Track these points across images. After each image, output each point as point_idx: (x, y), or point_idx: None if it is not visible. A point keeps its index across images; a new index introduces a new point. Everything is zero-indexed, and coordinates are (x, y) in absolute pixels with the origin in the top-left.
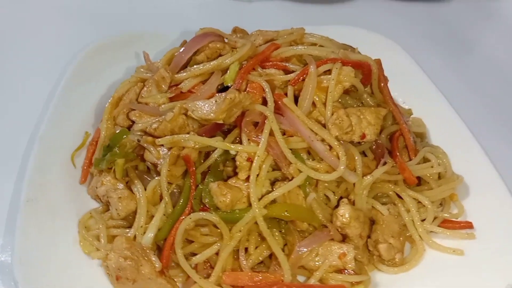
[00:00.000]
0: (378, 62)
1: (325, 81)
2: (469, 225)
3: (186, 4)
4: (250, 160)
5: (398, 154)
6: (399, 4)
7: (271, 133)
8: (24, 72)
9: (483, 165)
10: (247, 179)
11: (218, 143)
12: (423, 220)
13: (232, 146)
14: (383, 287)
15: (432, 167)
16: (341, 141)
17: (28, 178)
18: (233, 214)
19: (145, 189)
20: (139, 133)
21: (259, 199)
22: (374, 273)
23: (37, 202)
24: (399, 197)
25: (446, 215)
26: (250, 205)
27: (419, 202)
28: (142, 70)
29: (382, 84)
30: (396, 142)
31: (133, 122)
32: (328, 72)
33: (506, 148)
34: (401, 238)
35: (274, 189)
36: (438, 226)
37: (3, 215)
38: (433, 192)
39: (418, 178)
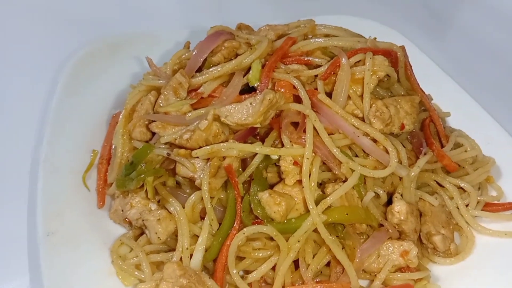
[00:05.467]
0: (403, 48)
1: (358, 73)
2: None
3: (162, 2)
4: (296, 164)
5: (434, 141)
6: None
7: (314, 133)
8: (10, 87)
9: (507, 143)
10: (295, 184)
11: (263, 149)
12: (466, 206)
13: (283, 151)
14: (443, 280)
15: (466, 151)
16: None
17: (42, 210)
18: (290, 224)
19: (183, 207)
20: (165, 146)
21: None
22: (428, 266)
23: (57, 235)
24: (439, 185)
25: (487, 198)
26: (305, 212)
27: (459, 188)
28: (150, 77)
29: (408, 71)
30: (429, 129)
31: (153, 134)
32: (358, 63)
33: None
34: (450, 227)
35: (325, 192)
36: (482, 210)
37: (23, 252)
38: (471, 176)
39: None
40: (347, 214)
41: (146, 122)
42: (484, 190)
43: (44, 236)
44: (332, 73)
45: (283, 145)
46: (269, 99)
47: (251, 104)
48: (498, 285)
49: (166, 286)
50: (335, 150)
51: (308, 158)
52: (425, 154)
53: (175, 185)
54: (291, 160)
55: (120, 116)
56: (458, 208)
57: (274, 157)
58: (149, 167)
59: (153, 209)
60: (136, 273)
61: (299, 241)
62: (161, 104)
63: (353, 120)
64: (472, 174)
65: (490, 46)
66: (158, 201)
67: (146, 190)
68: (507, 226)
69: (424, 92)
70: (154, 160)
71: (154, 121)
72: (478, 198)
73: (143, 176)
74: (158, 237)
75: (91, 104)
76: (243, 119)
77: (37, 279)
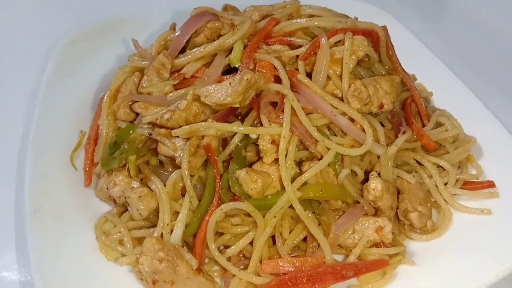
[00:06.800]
0: (385, 28)
1: (337, 53)
2: (491, 184)
3: None
4: (274, 142)
5: (414, 120)
6: None
7: (292, 112)
8: (1, 69)
9: (490, 123)
10: (273, 162)
11: (241, 128)
12: (445, 184)
13: (260, 130)
14: (419, 255)
15: (446, 130)
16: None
17: (29, 187)
18: (266, 200)
19: (164, 185)
20: (147, 125)
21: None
22: (405, 242)
23: (43, 212)
24: (419, 164)
25: (466, 176)
26: (281, 189)
27: (438, 167)
28: (135, 58)
29: (390, 51)
30: (409, 109)
31: (137, 114)
32: (339, 43)
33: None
34: (428, 205)
35: (302, 169)
36: (460, 188)
37: (11, 229)
38: (450, 155)
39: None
40: (321, 190)
41: (130, 103)
42: (464, 169)
43: (31, 213)
44: (312, 53)
45: (262, 125)
46: (247, 79)
47: (230, 84)
48: (473, 260)
49: (146, 259)
50: (311, 129)
51: (284, 137)
52: (403, 133)
53: (158, 164)
54: (269, 139)
55: (105, 97)
56: (436, 186)
57: (253, 136)
58: (131, 147)
59: (135, 187)
60: (119, 248)
61: (275, 217)
62: (144, 85)
63: (331, 99)
64: (452, 153)
65: (482, 28)
66: (142, 180)
67: (128, 169)
68: (484, 204)
69: (405, 72)
70: (136, 140)
71: (138, 101)
72: (457, 176)
73: (124, 155)
74: (140, 214)
75: (80, 86)
76: (222, 99)
77: (24, 254)
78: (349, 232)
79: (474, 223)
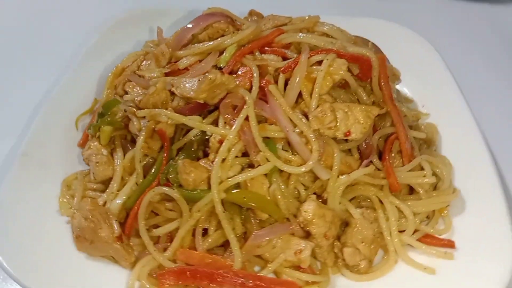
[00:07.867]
0: (381, 58)
1: (315, 72)
2: (450, 244)
3: None
4: (221, 142)
5: (387, 157)
6: (455, 4)
7: (248, 119)
8: (47, 44)
9: (491, 185)
10: None
11: (191, 122)
12: (403, 231)
13: (205, 127)
14: None
15: (424, 176)
16: (323, 136)
17: (30, 134)
18: (194, 193)
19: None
20: (129, 104)
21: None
22: (337, 277)
23: (31, 157)
24: (382, 203)
25: (428, 229)
26: None
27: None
28: (150, 44)
29: (382, 82)
30: (390, 145)
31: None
32: (321, 63)
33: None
34: (372, 246)
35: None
36: (418, 240)
37: None
38: (420, 202)
39: (411, 187)
40: (244, 198)
41: (126, 81)
42: (433, 220)
43: (20, 155)
44: (292, 68)
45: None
46: (210, 78)
47: (199, 80)
48: None
49: (77, 215)
50: (257, 138)
51: (228, 139)
52: (366, 166)
53: (131, 140)
54: (219, 138)
55: (110, 73)
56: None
57: (209, 133)
58: (112, 118)
59: (103, 154)
60: (70, 201)
61: (199, 211)
62: (141, 68)
63: (291, 114)
64: (423, 201)
65: None
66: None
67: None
68: (433, 262)
69: (396, 107)
70: (118, 114)
71: (131, 81)
72: (419, 227)
73: (99, 124)
74: (94, 177)
75: (109, 64)
76: (187, 92)
77: None
78: (271, 247)
79: (414, 278)
